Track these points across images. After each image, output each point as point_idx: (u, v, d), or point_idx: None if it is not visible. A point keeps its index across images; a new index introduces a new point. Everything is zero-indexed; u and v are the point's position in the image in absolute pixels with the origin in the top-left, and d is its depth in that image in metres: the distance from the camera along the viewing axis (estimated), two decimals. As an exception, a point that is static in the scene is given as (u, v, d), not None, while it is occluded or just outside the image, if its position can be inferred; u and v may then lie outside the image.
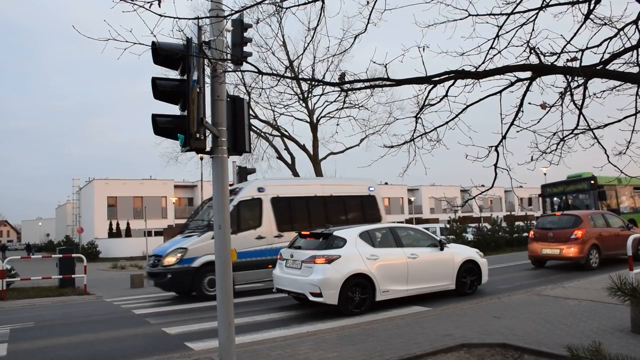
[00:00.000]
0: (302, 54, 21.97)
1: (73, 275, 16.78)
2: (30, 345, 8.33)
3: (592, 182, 22.19)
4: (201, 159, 24.71)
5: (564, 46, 4.32)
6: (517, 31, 4.57)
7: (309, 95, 23.13)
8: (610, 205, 22.80)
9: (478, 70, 4.40)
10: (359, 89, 5.10)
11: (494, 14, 4.56)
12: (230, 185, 12.99)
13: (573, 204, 23.76)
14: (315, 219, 14.25)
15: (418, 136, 4.84)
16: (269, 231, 13.59)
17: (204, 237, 12.74)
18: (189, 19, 4.30)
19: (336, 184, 15.86)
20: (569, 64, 4.19)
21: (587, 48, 4.24)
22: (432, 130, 4.81)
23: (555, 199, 24.64)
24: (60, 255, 16.73)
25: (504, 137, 4.60)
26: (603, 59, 4.16)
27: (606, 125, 4.43)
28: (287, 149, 24.37)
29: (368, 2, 4.40)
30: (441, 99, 4.61)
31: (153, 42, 4.99)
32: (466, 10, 4.51)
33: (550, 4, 4.41)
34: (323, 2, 4.24)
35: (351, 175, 21.98)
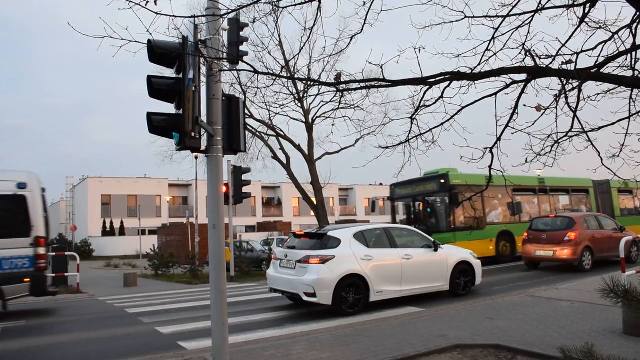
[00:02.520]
0: (299, 54, 21.98)
1: (66, 274, 16.70)
2: (21, 344, 8.28)
3: (443, 181, 17.57)
4: (196, 158, 24.63)
5: (559, 49, 4.34)
6: (512, 33, 4.58)
7: (305, 95, 23.12)
8: (467, 212, 17.81)
9: (474, 72, 4.40)
10: (355, 89, 5.11)
11: (489, 16, 4.57)
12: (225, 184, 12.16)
13: (424, 209, 19.10)
14: None
15: (413, 137, 4.84)
16: None
17: None
18: (186, 17, 4.29)
19: None
20: (564, 66, 4.21)
21: (582, 51, 4.26)
22: (427, 132, 4.82)
23: (405, 202, 19.92)
24: (53, 254, 16.61)
25: (498, 139, 4.61)
26: (598, 62, 4.18)
27: (600, 128, 4.45)
28: (282, 148, 24.36)
29: (364, 3, 4.40)
30: (437, 100, 4.62)
31: (149, 40, 4.99)
32: (462, 12, 4.53)
33: (545, 7, 4.42)
34: (320, 2, 4.24)
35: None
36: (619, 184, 23.35)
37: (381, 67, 4.32)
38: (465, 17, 4.55)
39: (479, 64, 4.56)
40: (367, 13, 4.42)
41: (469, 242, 15.86)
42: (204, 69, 5.79)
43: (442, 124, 4.74)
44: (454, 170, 18.09)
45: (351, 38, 4.70)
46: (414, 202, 19.36)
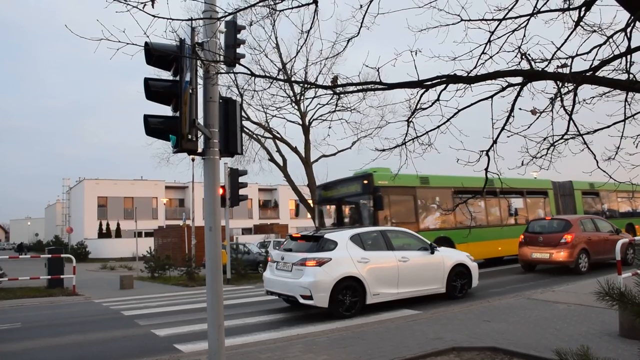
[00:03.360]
0: (295, 56, 22.03)
1: (62, 276, 16.66)
2: (17, 346, 8.25)
3: (366, 182, 15.34)
4: (192, 160, 24.63)
5: (555, 52, 4.36)
6: (508, 37, 4.60)
7: (302, 98, 23.19)
8: (394, 218, 15.55)
9: (470, 75, 4.42)
10: (352, 92, 5.11)
11: (486, 20, 4.59)
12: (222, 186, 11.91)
13: (348, 213, 17.17)
14: None
15: (410, 140, 4.85)
16: None
17: None
18: (183, 20, 4.30)
19: None
20: (560, 70, 4.23)
21: (577, 55, 4.28)
22: (423, 134, 4.83)
23: (331, 205, 17.72)
24: (49, 256, 16.60)
25: (494, 142, 4.63)
26: (593, 66, 4.20)
27: (596, 131, 4.47)
28: (279, 151, 24.39)
29: (361, 6, 4.42)
30: (433, 103, 4.64)
31: (146, 43, 4.98)
32: (458, 15, 4.54)
33: (541, 10, 4.45)
34: (316, 5, 4.25)
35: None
36: (584, 185, 22.00)
37: (378, 70, 4.33)
38: (462, 20, 4.57)
39: (475, 67, 4.58)
40: (364, 16, 4.44)
41: None
42: (200, 72, 5.78)
43: (438, 126, 4.76)
44: (386, 170, 15.75)
45: (348, 41, 4.71)
46: (338, 205, 17.39)
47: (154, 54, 5.27)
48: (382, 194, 14.98)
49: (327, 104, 23.43)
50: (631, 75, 4.13)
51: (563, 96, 4.35)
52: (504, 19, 4.53)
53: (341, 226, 16.67)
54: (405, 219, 16.04)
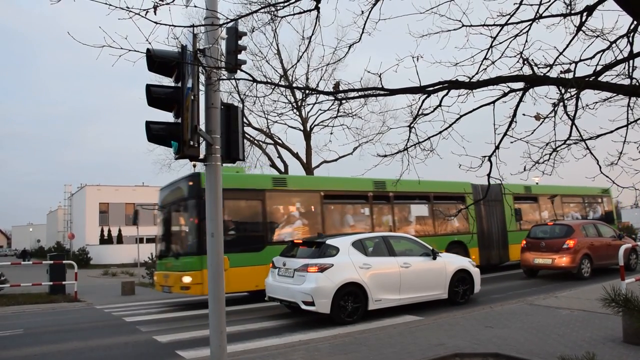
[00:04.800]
0: (297, 62, 22.12)
1: (63, 282, 16.63)
2: (19, 353, 8.22)
3: (191, 183, 12.39)
4: (194, 166, 24.54)
5: (557, 57, 4.36)
6: (510, 42, 4.61)
7: (303, 104, 23.22)
8: (231, 229, 12.56)
9: (472, 80, 4.42)
10: (353, 98, 5.11)
11: (487, 25, 4.60)
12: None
13: (176, 223, 13.80)
14: None
15: (411, 145, 4.85)
16: None
17: None
18: (184, 26, 4.31)
19: None
20: (562, 75, 4.22)
21: (580, 60, 4.29)
22: (425, 140, 4.83)
23: (165, 212, 14.01)
24: (51, 262, 16.58)
25: (497, 147, 4.62)
26: (595, 71, 4.20)
27: (598, 136, 4.47)
28: (280, 157, 24.43)
29: (362, 12, 4.43)
30: (435, 109, 4.63)
31: (148, 49, 4.99)
32: (460, 21, 4.55)
33: (543, 15, 4.45)
34: (318, 12, 4.27)
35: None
36: (517, 189, 18.35)
37: (379, 76, 4.34)
38: (463, 25, 4.57)
39: (477, 73, 4.58)
40: (365, 22, 4.45)
41: (236, 269, 11.72)
42: (202, 78, 5.80)
43: (440, 132, 4.75)
44: (235, 170, 13.93)
45: (349, 47, 4.73)
46: (168, 213, 13.91)
47: (156, 61, 5.29)
48: (204, 199, 11.70)
49: (328, 109, 23.50)
50: (634, 80, 4.13)
51: (566, 101, 4.34)
52: (505, 24, 4.53)
53: (163, 239, 14.17)
54: (249, 229, 13.19)
